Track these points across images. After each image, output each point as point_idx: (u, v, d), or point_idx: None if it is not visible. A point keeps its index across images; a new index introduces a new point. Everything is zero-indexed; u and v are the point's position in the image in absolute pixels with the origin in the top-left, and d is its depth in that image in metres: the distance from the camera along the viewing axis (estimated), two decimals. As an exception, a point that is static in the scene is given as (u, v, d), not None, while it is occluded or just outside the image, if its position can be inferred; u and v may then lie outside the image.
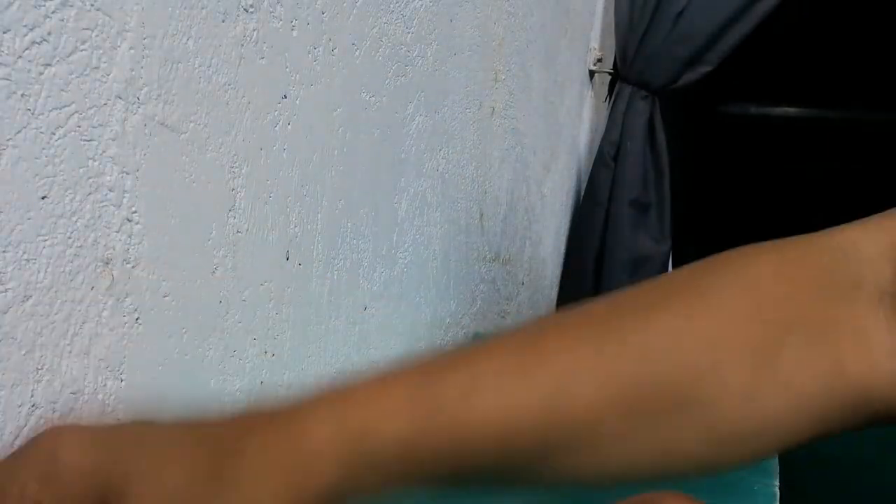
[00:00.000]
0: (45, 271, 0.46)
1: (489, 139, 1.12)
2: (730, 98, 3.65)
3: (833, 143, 3.69)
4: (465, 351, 0.32)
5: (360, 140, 0.77)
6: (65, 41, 0.45)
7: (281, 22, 0.63)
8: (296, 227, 0.69)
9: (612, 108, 1.61)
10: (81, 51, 0.46)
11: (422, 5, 0.86)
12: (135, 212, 0.51)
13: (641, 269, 1.58)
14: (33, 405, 0.46)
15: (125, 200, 0.50)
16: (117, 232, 0.50)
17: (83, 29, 0.46)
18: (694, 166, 3.75)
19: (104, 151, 0.48)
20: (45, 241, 0.45)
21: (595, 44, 1.68)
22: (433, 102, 0.92)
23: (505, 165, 1.20)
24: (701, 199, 3.97)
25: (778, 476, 0.66)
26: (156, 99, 0.52)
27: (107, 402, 0.51)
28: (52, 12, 0.44)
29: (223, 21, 0.57)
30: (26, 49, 0.43)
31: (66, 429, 0.35)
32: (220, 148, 0.58)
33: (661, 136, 1.59)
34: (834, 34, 3.32)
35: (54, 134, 0.45)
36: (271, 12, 0.61)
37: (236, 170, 0.60)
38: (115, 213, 0.50)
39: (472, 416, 0.29)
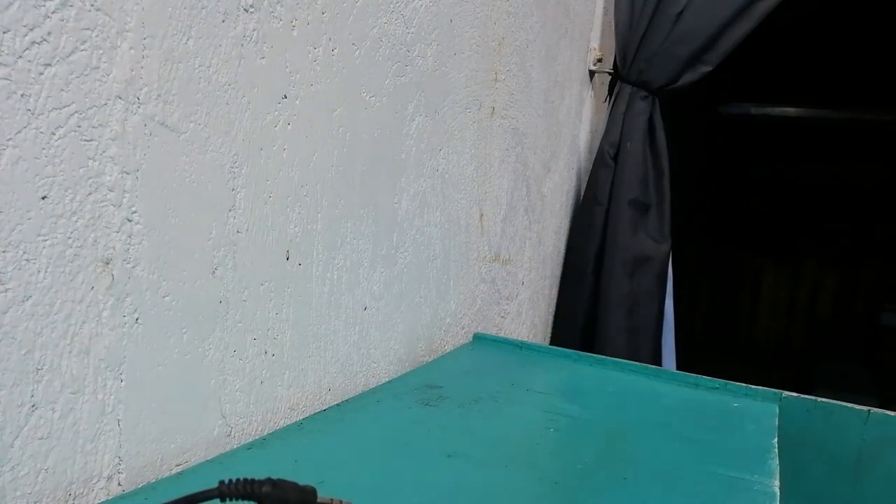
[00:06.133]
0: (45, 271, 0.46)
1: (489, 139, 1.12)
2: (730, 98, 3.65)
3: (833, 143, 3.70)
4: None
5: (360, 140, 0.77)
6: (65, 41, 0.45)
7: (281, 22, 0.63)
8: (296, 227, 0.69)
9: (612, 108, 1.61)
10: (81, 51, 0.46)
11: (422, 5, 0.86)
12: (135, 212, 0.51)
13: (641, 269, 1.58)
14: (33, 405, 0.46)
15: (125, 200, 0.50)
16: (117, 232, 0.50)
17: (83, 29, 0.46)
18: (694, 166, 3.75)
19: (104, 151, 0.48)
20: (45, 241, 0.45)
21: (595, 44, 1.68)
22: (433, 102, 0.92)
23: (505, 165, 1.20)
24: (701, 199, 3.97)
25: (778, 476, 0.66)
26: (156, 99, 0.52)
27: (107, 401, 0.51)
28: (52, 12, 0.44)
29: (223, 21, 0.57)
30: (26, 49, 0.43)
31: None
32: (220, 148, 0.58)
33: (661, 136, 1.59)
34: (833, 34, 3.32)
35: (54, 134, 0.45)
36: (271, 12, 0.61)
37: (236, 170, 0.60)
38: (115, 213, 0.50)
39: None
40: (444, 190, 0.99)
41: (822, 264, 3.84)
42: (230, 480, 0.40)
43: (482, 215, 1.14)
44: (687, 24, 1.49)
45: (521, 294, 1.39)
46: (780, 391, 0.91)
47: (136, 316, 0.52)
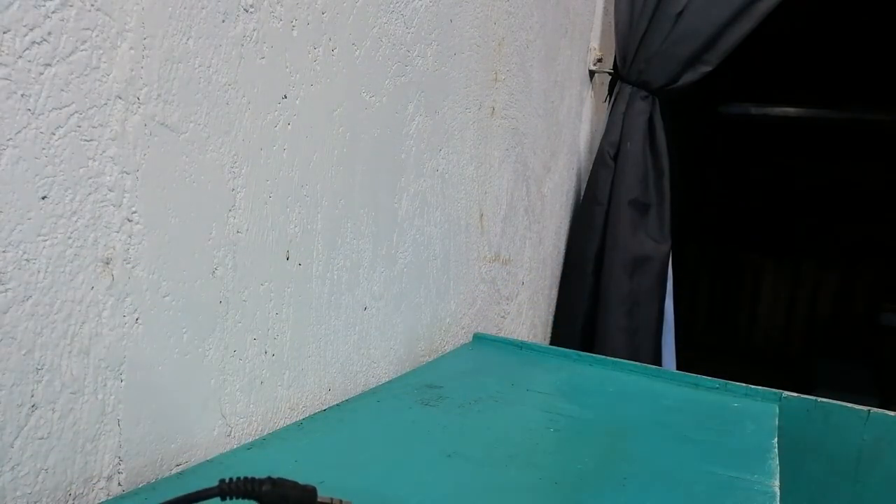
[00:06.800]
0: (45, 271, 0.46)
1: (489, 139, 1.12)
2: (730, 98, 3.65)
3: (833, 143, 3.70)
4: None
5: (360, 140, 0.77)
6: (65, 41, 0.45)
7: (281, 22, 0.63)
8: (296, 227, 0.69)
9: (612, 108, 1.61)
10: (81, 51, 0.46)
11: (422, 5, 0.86)
12: (135, 212, 0.51)
13: (641, 269, 1.58)
14: (33, 405, 0.46)
15: (125, 200, 0.50)
16: (117, 232, 0.50)
17: (83, 29, 0.46)
18: (694, 166, 3.75)
19: (104, 151, 0.48)
20: (45, 241, 0.45)
21: (595, 44, 1.68)
22: (433, 102, 0.92)
23: (505, 165, 1.20)
24: (701, 199, 3.97)
25: (778, 476, 0.66)
26: (156, 99, 0.52)
27: (107, 401, 0.51)
28: (52, 12, 0.44)
29: (223, 21, 0.57)
30: (26, 49, 0.43)
31: None
32: (220, 148, 0.58)
33: (661, 136, 1.59)
34: (833, 34, 3.32)
35: (54, 134, 0.45)
36: (271, 12, 0.61)
37: (236, 170, 0.60)
38: (115, 213, 0.50)
39: None
40: (444, 190, 0.99)
41: (822, 264, 3.84)
42: (230, 479, 0.40)
43: (482, 215, 1.14)
44: (687, 24, 1.49)
45: (521, 294, 1.39)
46: (780, 391, 0.91)
47: (136, 316, 0.52)
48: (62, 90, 0.45)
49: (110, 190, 0.49)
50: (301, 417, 0.72)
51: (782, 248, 3.91)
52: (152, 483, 0.55)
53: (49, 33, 0.44)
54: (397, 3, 0.81)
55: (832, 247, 3.78)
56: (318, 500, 0.42)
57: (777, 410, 0.86)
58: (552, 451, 0.69)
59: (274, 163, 0.64)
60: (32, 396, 0.46)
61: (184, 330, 0.57)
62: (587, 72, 1.67)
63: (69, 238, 0.47)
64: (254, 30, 0.60)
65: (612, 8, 1.60)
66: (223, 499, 0.40)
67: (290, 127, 0.66)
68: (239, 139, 0.60)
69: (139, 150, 0.51)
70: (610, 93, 1.68)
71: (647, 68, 1.54)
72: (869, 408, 0.89)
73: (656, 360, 1.62)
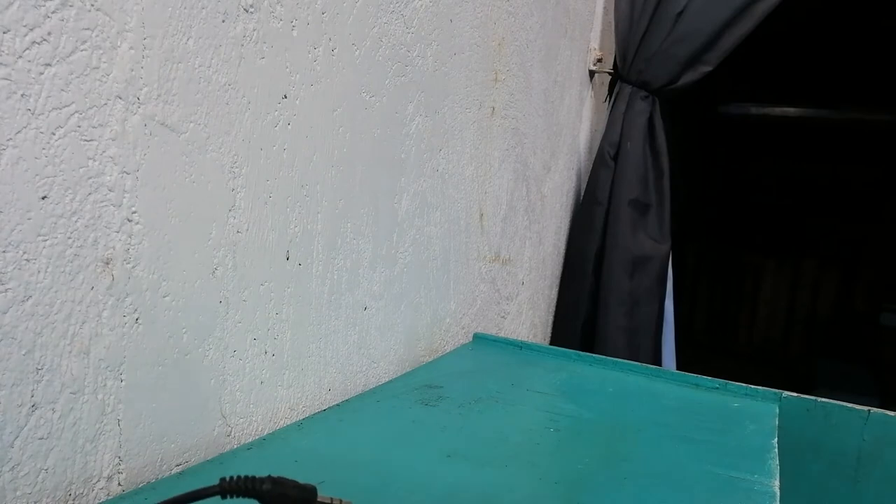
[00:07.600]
0: (45, 271, 0.46)
1: (489, 139, 1.12)
2: (730, 98, 3.65)
3: (833, 143, 3.70)
4: None
5: (360, 140, 0.77)
6: (65, 41, 0.45)
7: (281, 22, 0.63)
8: (296, 227, 0.69)
9: (612, 108, 1.61)
10: (81, 51, 0.46)
11: (422, 5, 0.86)
12: (135, 212, 0.51)
13: (641, 269, 1.58)
14: (33, 405, 0.46)
15: (125, 200, 0.50)
16: (117, 232, 0.50)
17: (83, 29, 0.46)
18: (694, 166, 3.75)
19: (104, 151, 0.48)
20: (45, 241, 0.45)
21: (595, 44, 1.68)
22: (433, 102, 0.92)
23: (505, 165, 1.20)
24: (701, 199, 3.98)
25: (778, 476, 0.66)
26: (156, 99, 0.52)
27: (107, 401, 0.51)
28: (52, 12, 0.44)
29: (223, 21, 0.57)
30: (26, 49, 0.43)
31: None
32: (220, 148, 0.58)
33: (661, 136, 1.59)
34: (833, 34, 3.32)
35: (54, 134, 0.45)
36: (271, 12, 0.61)
37: (236, 170, 0.60)
38: (115, 213, 0.50)
39: None
40: (444, 190, 0.99)
41: (822, 264, 3.85)
42: (231, 477, 0.40)
43: (482, 215, 1.14)
44: (687, 24, 1.49)
45: (521, 294, 1.39)
46: (780, 391, 0.91)
47: (136, 316, 0.52)
48: (62, 90, 0.45)
49: (110, 190, 0.49)
50: (301, 417, 0.72)
51: (782, 248, 3.91)
52: (152, 483, 0.55)
53: (49, 33, 0.44)
54: (397, 3, 0.81)
55: (832, 247, 3.78)
56: (318, 499, 0.42)
57: (777, 410, 0.86)
58: (552, 451, 0.69)
59: (274, 163, 0.64)
60: (32, 396, 0.46)
61: (184, 330, 0.57)
62: (587, 72, 1.67)
63: (69, 238, 0.47)
64: (254, 30, 0.60)
65: (612, 8, 1.60)
66: (224, 497, 0.40)
67: (290, 127, 0.66)
68: (239, 139, 0.60)
69: (139, 150, 0.51)
70: (610, 93, 1.68)
71: (647, 68, 1.54)
72: (869, 408, 0.89)
73: (656, 359, 1.62)
